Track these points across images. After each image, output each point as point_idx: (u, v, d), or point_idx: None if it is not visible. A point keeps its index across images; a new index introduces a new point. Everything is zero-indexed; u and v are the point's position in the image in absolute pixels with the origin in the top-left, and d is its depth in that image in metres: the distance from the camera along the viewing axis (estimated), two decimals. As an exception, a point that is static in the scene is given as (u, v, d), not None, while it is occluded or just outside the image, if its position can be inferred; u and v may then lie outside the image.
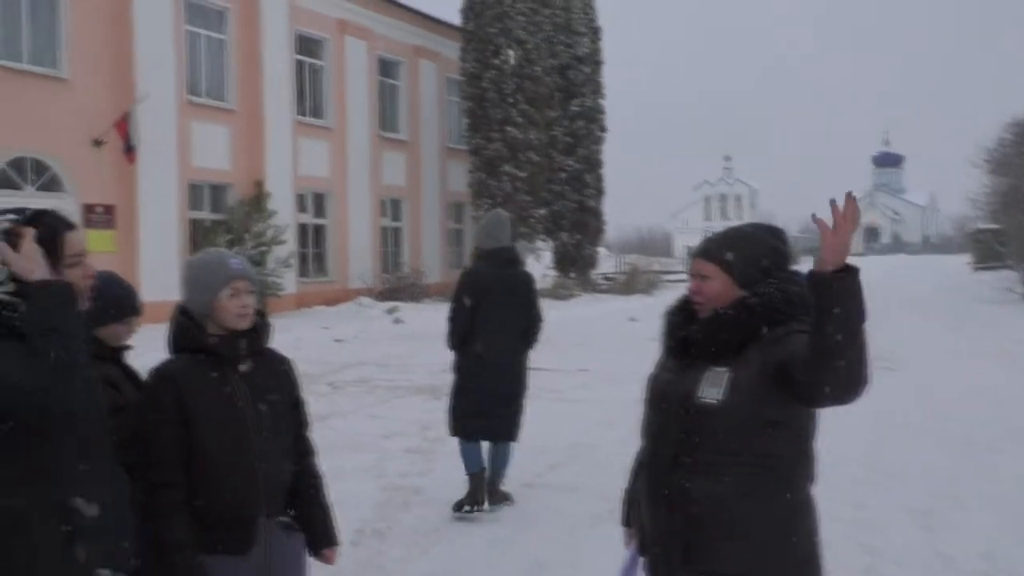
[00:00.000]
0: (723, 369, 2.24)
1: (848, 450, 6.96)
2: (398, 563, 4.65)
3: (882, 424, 7.89)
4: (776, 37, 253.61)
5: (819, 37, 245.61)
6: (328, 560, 2.61)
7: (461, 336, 5.52)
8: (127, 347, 2.72)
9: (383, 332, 17.00)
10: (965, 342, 14.29)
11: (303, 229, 21.26)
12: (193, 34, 18.49)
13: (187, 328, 2.44)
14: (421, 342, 15.35)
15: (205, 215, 18.80)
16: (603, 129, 27.89)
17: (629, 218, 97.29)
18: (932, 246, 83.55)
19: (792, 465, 2.26)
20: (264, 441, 2.41)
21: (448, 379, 5.87)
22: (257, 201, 18.87)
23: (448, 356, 5.79)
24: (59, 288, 1.95)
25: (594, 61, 27.83)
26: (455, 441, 5.81)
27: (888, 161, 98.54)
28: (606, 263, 34.37)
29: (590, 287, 27.48)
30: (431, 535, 5.08)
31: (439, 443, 7.39)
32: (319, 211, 22.09)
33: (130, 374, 2.68)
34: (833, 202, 2.01)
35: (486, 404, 5.44)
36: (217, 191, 19.09)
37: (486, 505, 5.44)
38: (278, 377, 2.53)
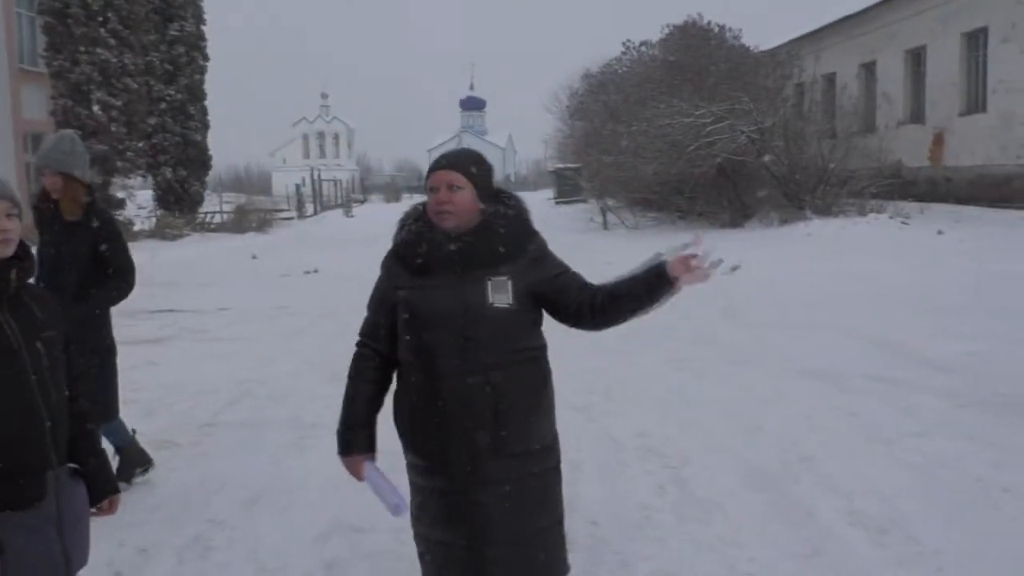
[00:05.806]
0: (504, 278, 2.44)
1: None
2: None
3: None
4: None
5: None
6: (111, 508, 2.33)
7: None
8: None
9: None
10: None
11: None
12: None
13: None
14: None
15: None
16: (206, 58, 26.25)
17: (225, 155, 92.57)
18: (512, 184, 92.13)
19: (545, 353, 2.60)
20: (44, 383, 2.07)
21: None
22: None
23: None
24: None
25: (192, -17, 25.93)
26: None
27: (473, 105, 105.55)
28: (207, 202, 32.65)
29: (199, 226, 26.00)
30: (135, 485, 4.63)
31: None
32: None
33: None
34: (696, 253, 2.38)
35: None
36: None
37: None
38: (48, 311, 2.17)
